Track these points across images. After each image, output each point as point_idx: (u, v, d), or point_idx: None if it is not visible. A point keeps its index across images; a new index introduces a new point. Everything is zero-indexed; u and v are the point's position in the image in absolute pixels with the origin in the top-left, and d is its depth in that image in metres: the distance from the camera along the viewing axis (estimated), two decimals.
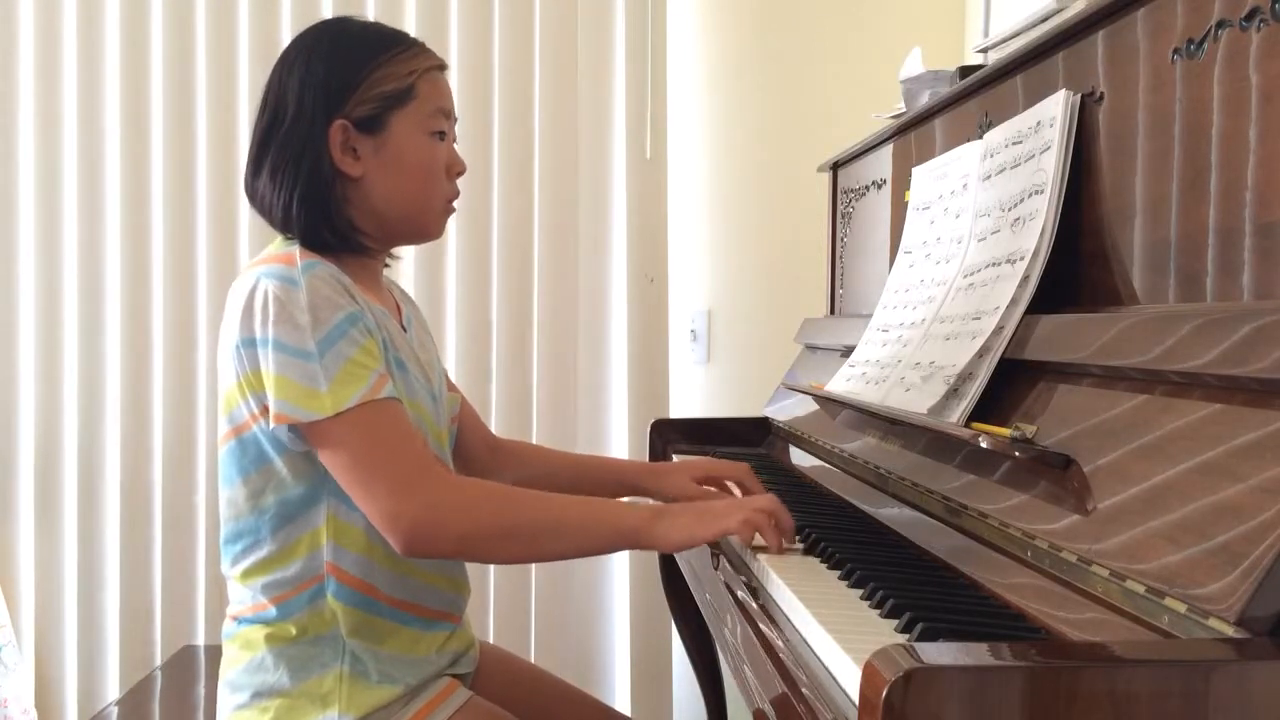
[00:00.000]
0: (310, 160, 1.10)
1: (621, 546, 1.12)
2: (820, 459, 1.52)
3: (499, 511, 1.06)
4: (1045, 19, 1.29)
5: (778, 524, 1.08)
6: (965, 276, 1.21)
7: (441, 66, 1.18)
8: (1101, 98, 1.04)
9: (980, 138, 1.27)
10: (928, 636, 0.78)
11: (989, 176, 1.22)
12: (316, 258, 1.08)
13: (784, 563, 1.03)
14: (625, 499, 1.28)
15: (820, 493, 1.42)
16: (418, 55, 1.15)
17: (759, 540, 1.09)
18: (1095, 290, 1.04)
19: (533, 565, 2.32)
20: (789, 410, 1.77)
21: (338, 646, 1.09)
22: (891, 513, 1.18)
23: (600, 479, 1.37)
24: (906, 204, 1.48)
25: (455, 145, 1.20)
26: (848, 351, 1.53)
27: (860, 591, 0.93)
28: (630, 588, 2.33)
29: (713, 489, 1.32)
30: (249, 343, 1.04)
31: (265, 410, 1.04)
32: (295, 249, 1.09)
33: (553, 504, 1.09)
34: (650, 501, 1.40)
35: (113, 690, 2.34)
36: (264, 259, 1.09)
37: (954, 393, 1.09)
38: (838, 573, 0.99)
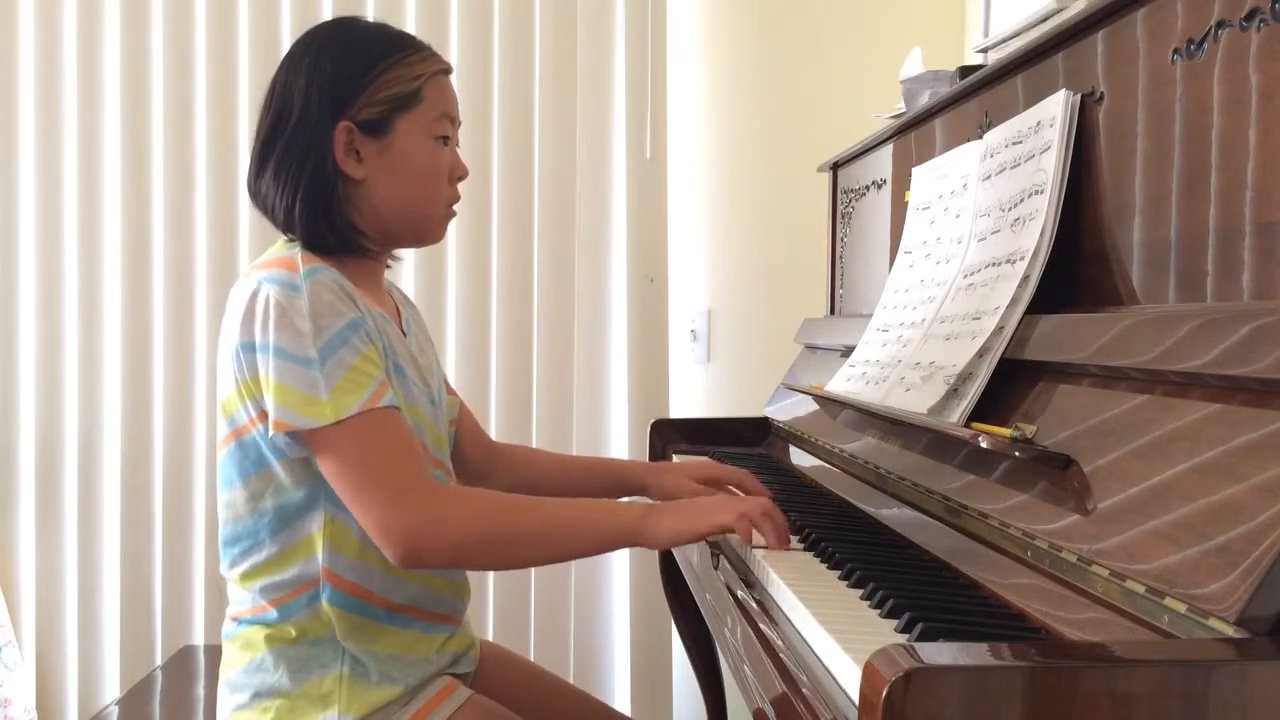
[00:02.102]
0: (314, 161, 1.10)
1: (615, 547, 1.12)
2: (820, 459, 1.52)
3: (491, 521, 1.06)
4: (1045, 19, 1.29)
5: (771, 521, 1.07)
6: (965, 276, 1.21)
7: (447, 70, 1.18)
8: (1101, 98, 1.04)
9: (980, 138, 1.27)
10: (928, 636, 0.78)
11: (989, 176, 1.22)
12: (319, 262, 1.07)
13: (784, 562, 1.03)
14: (620, 499, 1.28)
15: (820, 493, 1.42)
16: (425, 59, 1.15)
17: (758, 539, 1.09)
18: (1095, 290, 1.04)
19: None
20: (789, 410, 1.77)
21: (337, 647, 1.09)
22: (891, 513, 1.18)
23: (598, 479, 1.37)
24: (906, 204, 1.48)
25: (458, 149, 1.20)
26: (848, 351, 1.53)
27: (860, 591, 0.93)
28: (630, 588, 2.33)
29: (712, 489, 1.32)
30: (249, 347, 1.04)
31: (264, 414, 1.04)
32: (297, 253, 1.08)
33: (545, 509, 1.08)
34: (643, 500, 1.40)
35: (113, 690, 2.34)
36: (265, 262, 1.09)
37: (954, 393, 1.09)
38: (838, 573, 0.99)
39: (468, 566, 1.16)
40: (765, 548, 1.08)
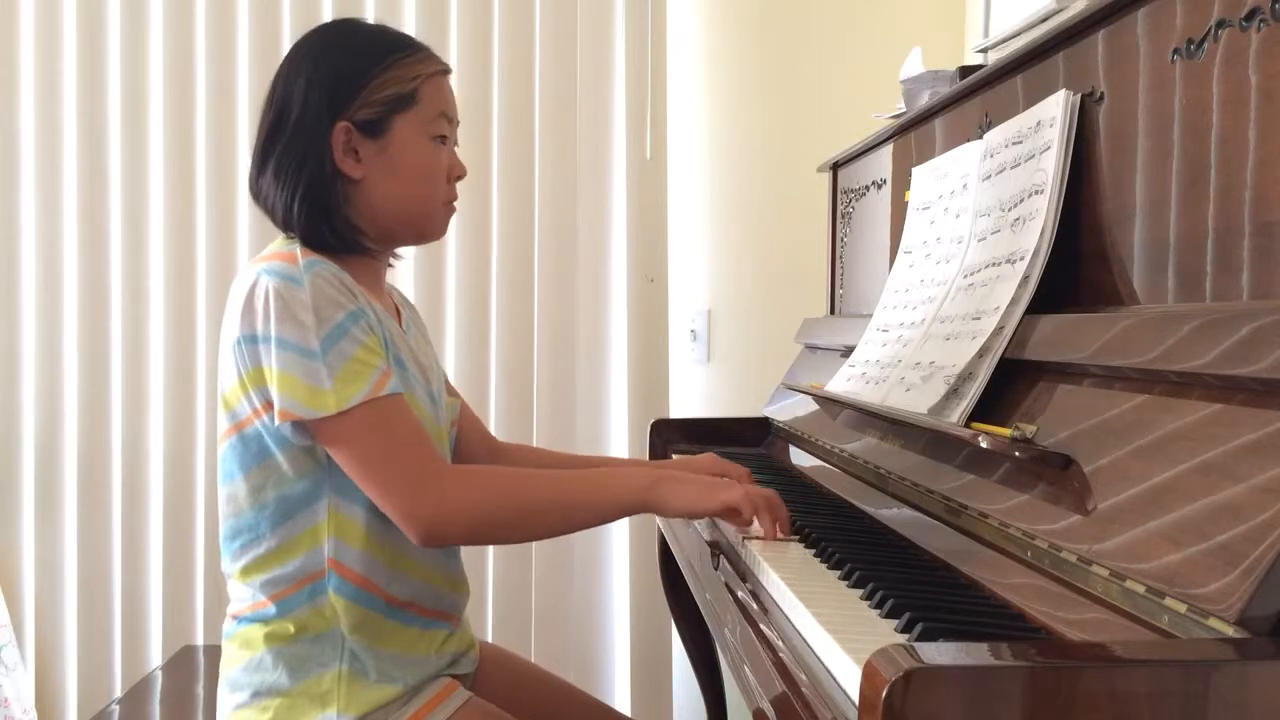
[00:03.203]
0: (313, 161, 1.11)
1: (627, 514, 1.17)
2: (820, 459, 1.52)
3: (508, 498, 1.09)
4: (1045, 19, 1.29)
5: (773, 510, 1.11)
6: (965, 276, 1.21)
7: (445, 71, 1.19)
8: (1101, 98, 1.04)
9: (980, 138, 1.27)
10: (928, 636, 0.78)
11: (989, 176, 1.22)
12: (318, 256, 1.08)
13: (784, 562, 1.03)
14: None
15: (820, 493, 1.42)
16: (422, 60, 1.16)
17: (754, 529, 1.12)
18: (1095, 290, 1.04)
19: (532, 565, 2.32)
20: (789, 410, 1.77)
21: (337, 645, 1.09)
22: (891, 513, 1.18)
23: None
24: (906, 204, 1.48)
25: (456, 148, 1.21)
26: (848, 351, 1.53)
27: (860, 591, 0.93)
28: (630, 588, 2.33)
29: None
30: (250, 339, 1.04)
31: (268, 406, 1.05)
32: (297, 247, 1.09)
33: (559, 482, 1.13)
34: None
35: (113, 690, 2.34)
36: (265, 256, 1.10)
37: (954, 393, 1.09)
38: (838, 573, 0.99)
39: (487, 541, 1.18)
40: (759, 538, 1.11)
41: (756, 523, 1.13)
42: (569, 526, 1.18)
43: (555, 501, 1.11)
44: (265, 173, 1.13)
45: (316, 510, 1.09)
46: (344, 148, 1.11)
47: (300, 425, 1.04)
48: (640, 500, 1.11)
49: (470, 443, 1.36)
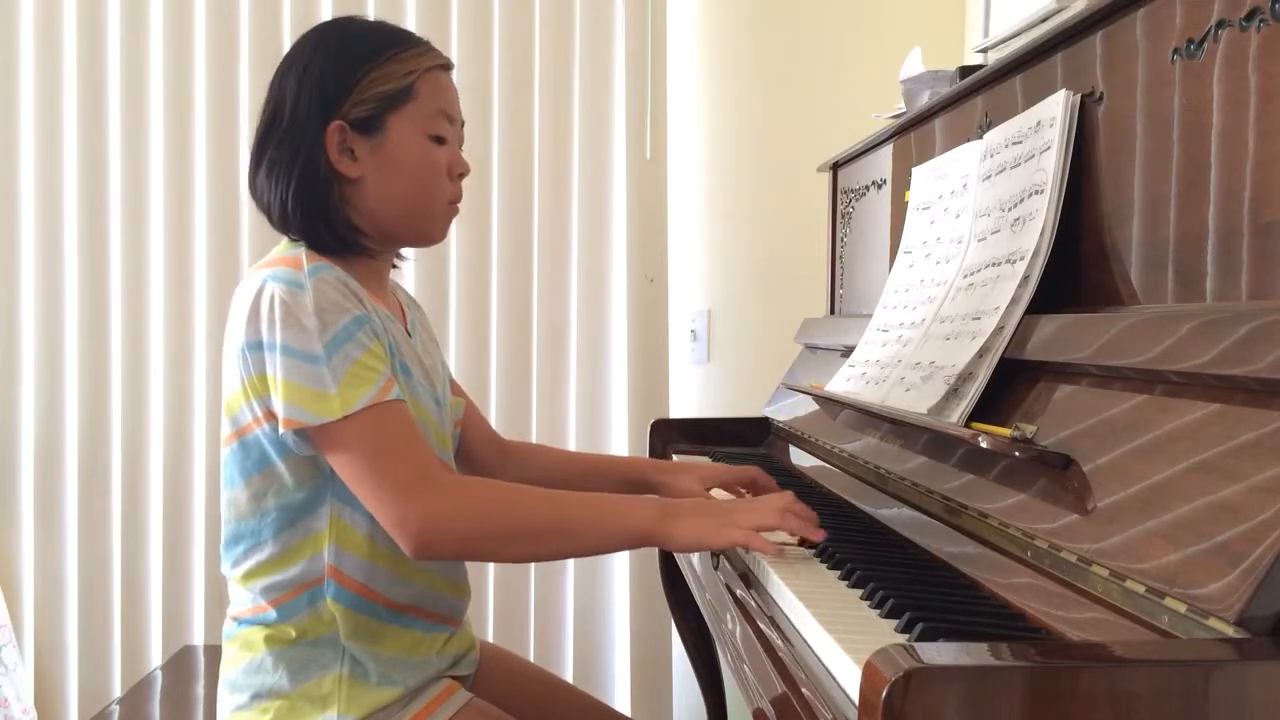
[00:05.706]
0: (306, 160, 1.10)
1: (630, 546, 1.10)
2: (820, 459, 1.52)
3: (505, 513, 1.06)
4: (1045, 19, 1.29)
5: (796, 516, 1.05)
6: (965, 276, 1.21)
7: (445, 66, 1.17)
8: (1101, 98, 1.04)
9: (980, 138, 1.27)
10: (928, 636, 0.78)
11: (989, 176, 1.22)
12: (323, 261, 1.07)
13: (784, 562, 1.03)
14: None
15: (820, 493, 1.41)
16: (419, 55, 1.14)
17: (786, 537, 1.08)
18: (1095, 290, 1.04)
19: (532, 565, 2.32)
20: (789, 410, 1.77)
21: (337, 648, 1.09)
22: (891, 513, 1.18)
23: (608, 478, 1.36)
24: (906, 204, 1.48)
25: (460, 144, 1.19)
26: (848, 351, 1.53)
27: (860, 591, 0.93)
28: (630, 588, 2.33)
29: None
30: (255, 346, 1.04)
31: (270, 414, 1.04)
32: (302, 252, 1.08)
33: (560, 503, 1.08)
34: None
35: (113, 690, 2.34)
36: (270, 261, 1.09)
37: (954, 393, 1.09)
38: (838, 573, 0.99)
39: (478, 558, 1.15)
40: (785, 544, 1.07)
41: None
42: (566, 552, 1.12)
43: (555, 523, 1.05)
44: (259, 171, 1.12)
45: (318, 518, 1.08)
46: (339, 147, 1.10)
47: (303, 434, 1.03)
48: (646, 533, 1.04)
49: (477, 443, 1.35)
